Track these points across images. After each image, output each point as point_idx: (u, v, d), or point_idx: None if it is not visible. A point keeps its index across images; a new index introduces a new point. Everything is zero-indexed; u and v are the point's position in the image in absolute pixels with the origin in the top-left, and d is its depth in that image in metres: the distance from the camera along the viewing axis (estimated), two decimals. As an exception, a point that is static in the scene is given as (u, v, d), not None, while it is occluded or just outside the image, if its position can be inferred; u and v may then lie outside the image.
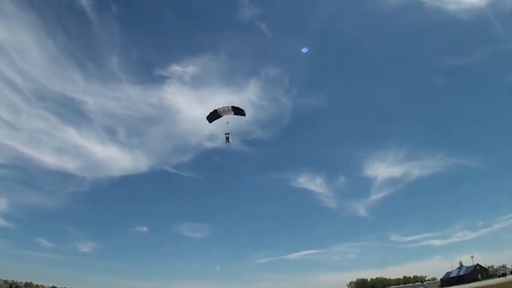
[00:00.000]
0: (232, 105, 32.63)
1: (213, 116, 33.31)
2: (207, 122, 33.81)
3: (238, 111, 33.01)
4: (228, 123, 33.12)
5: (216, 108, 32.85)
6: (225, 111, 32.92)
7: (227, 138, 33.56)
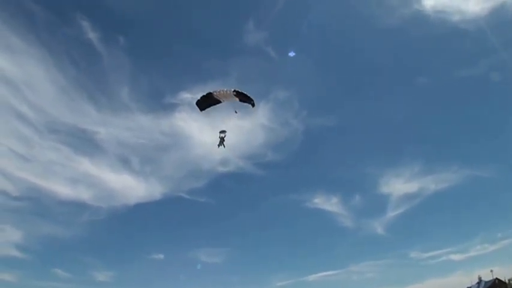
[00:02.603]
0: (236, 89, 22.25)
1: (207, 101, 23.09)
2: (198, 109, 23.70)
3: (244, 97, 22.67)
4: (236, 112, 22.89)
5: (212, 91, 22.60)
6: (226, 95, 22.68)
7: (221, 140, 23.62)
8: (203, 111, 23.73)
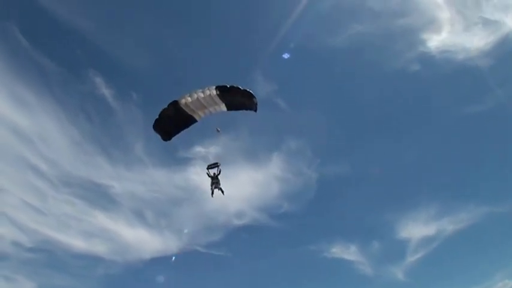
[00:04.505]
0: (218, 85, 11.93)
1: (173, 121, 12.48)
2: (160, 137, 12.93)
3: (236, 101, 12.40)
4: (219, 131, 12.75)
5: (180, 100, 12.12)
6: (203, 104, 12.40)
7: (215, 185, 13.30)
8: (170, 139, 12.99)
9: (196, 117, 12.88)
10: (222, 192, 13.09)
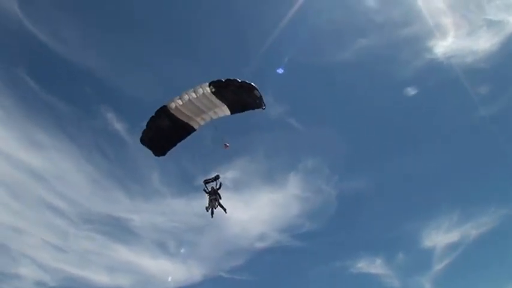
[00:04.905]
0: (213, 80, 9.60)
1: (162, 133, 10.26)
2: (152, 153, 10.72)
3: (238, 97, 9.99)
4: (227, 146, 10.45)
5: (168, 105, 9.95)
6: (199, 107, 10.14)
7: (213, 202, 10.89)
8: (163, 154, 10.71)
9: (194, 125, 10.62)
10: (224, 210, 10.74)
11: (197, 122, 10.63)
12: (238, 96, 9.51)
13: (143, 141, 9.89)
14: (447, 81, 35.72)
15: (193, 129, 10.76)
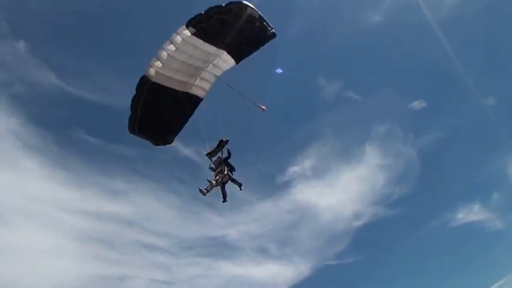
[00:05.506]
0: (190, 19, 6.54)
1: (155, 113, 7.65)
2: (153, 144, 8.26)
3: (233, 32, 6.88)
4: (263, 109, 7.68)
5: (145, 73, 7.26)
6: (189, 63, 7.31)
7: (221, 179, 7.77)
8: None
9: (195, 91, 7.84)
10: (239, 185, 7.95)
11: (199, 87, 7.86)
12: (232, 28, 6.47)
13: (133, 131, 7.39)
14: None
15: (198, 98, 8.02)
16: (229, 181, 7.84)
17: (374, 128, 33.06)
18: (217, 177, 7.65)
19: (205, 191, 7.43)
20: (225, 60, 7.56)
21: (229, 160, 7.92)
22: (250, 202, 31.10)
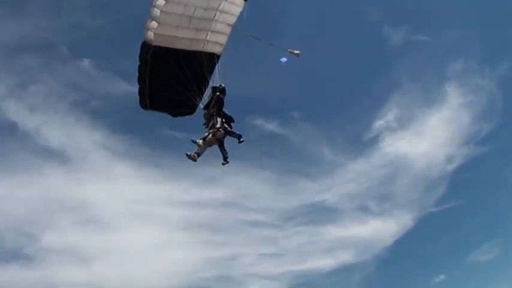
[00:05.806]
0: None
1: (166, 82, 6.76)
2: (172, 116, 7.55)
3: None
4: (297, 54, 6.43)
5: (145, 40, 6.29)
6: (196, 17, 6.12)
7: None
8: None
9: (207, 48, 6.74)
10: (239, 137, 6.59)
11: (212, 42, 6.76)
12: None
13: (145, 106, 6.72)
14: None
15: (213, 55, 6.90)
16: (227, 135, 6.58)
17: (450, 66, 30.70)
18: (208, 133, 6.41)
19: (195, 154, 6.25)
20: (232, 1, 6.19)
21: (224, 110, 6.67)
22: (342, 164, 30.39)
